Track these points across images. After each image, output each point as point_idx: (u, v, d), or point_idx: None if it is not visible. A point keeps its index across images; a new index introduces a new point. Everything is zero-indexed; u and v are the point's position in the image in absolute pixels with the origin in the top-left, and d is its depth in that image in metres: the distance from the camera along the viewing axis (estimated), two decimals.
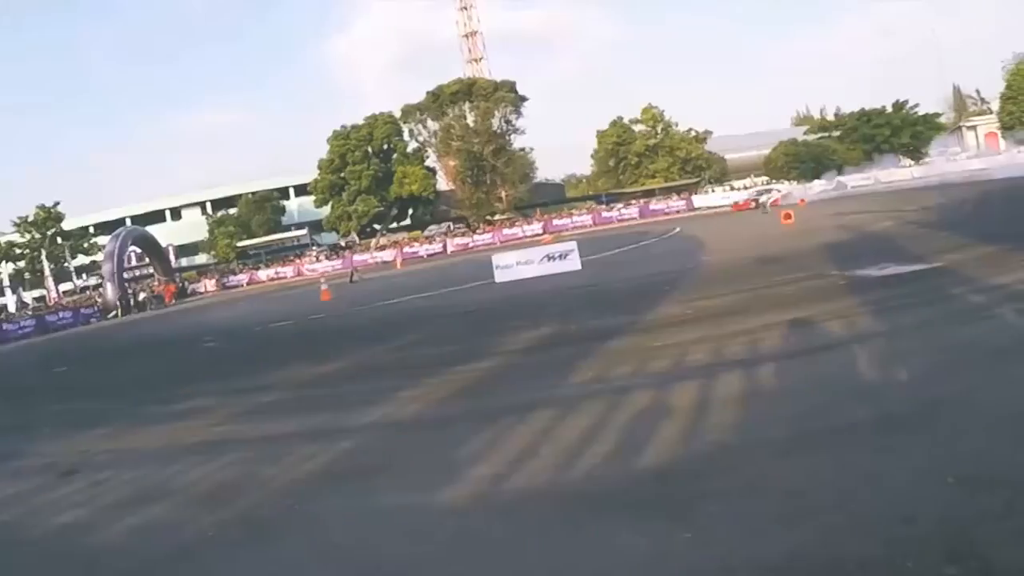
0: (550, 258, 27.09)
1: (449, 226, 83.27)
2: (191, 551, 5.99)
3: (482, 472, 6.62)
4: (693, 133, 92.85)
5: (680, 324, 12.47)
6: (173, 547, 6.11)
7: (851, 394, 7.26)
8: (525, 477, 6.32)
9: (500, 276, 27.00)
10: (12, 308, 70.34)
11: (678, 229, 45.18)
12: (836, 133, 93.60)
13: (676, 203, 77.44)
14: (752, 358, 9.39)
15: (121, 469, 9.14)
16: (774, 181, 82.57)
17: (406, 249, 73.31)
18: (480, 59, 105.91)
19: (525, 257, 28.06)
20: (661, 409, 7.65)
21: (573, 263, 26.67)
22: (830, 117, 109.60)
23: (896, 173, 73.31)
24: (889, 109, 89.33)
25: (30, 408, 16.40)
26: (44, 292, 79.12)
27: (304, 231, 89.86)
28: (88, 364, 25.32)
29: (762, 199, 63.19)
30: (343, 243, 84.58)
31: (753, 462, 5.88)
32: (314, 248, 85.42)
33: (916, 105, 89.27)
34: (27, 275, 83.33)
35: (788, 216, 33.03)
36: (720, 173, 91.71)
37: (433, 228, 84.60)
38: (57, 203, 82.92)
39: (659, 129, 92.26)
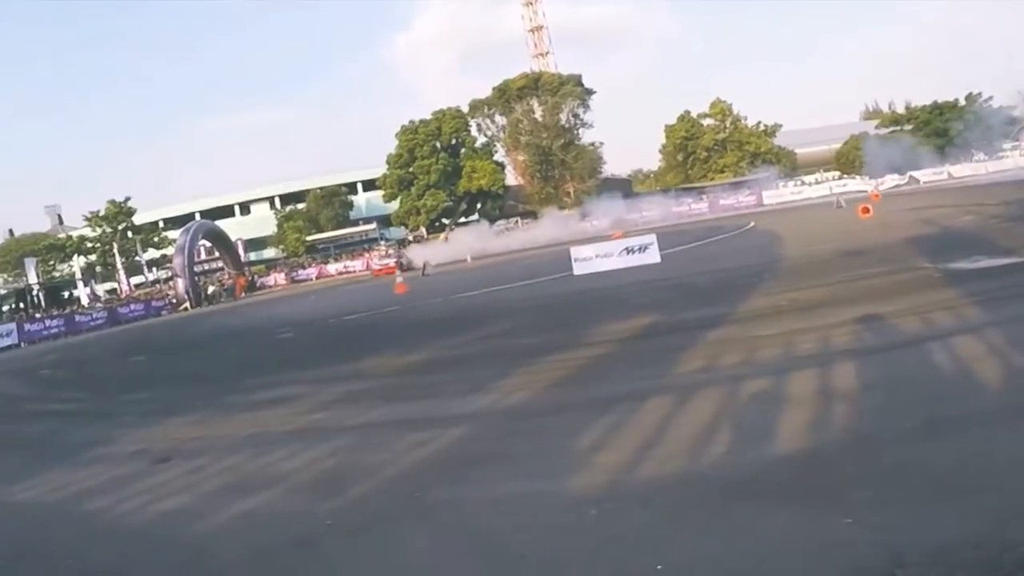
0: (629, 251, 26.80)
1: (517, 220, 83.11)
2: (308, 540, 5.83)
3: (608, 459, 6.46)
4: (762, 127, 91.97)
5: (778, 315, 12.23)
6: (288, 536, 5.98)
7: (974, 382, 7.03)
8: (655, 464, 6.16)
9: (579, 269, 26.83)
10: (85, 300, 71.49)
11: (752, 224, 44.52)
12: (908, 127, 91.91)
13: (746, 198, 76.51)
14: (861, 348, 9.18)
15: (216, 456, 9.14)
16: (845, 176, 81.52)
17: (474, 244, 73.07)
18: (546, 54, 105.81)
19: (604, 250, 27.81)
20: (781, 397, 7.48)
21: (652, 256, 26.33)
22: (900, 110, 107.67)
23: (969, 168, 72.10)
24: (962, 102, 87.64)
25: (111, 396, 16.68)
26: (116, 285, 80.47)
27: (373, 225, 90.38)
28: (164, 354, 25.62)
29: (836, 192, 62.41)
30: (411, 237, 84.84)
31: (893, 448, 5.70)
32: (382, 242, 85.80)
33: (990, 98, 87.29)
34: (98, 268, 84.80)
35: (866, 210, 32.44)
36: (790, 168, 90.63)
37: (501, 223, 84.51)
38: (128, 198, 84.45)
39: (728, 123, 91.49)
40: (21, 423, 15.21)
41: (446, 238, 73.56)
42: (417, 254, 61.81)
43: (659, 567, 4.39)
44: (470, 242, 66.36)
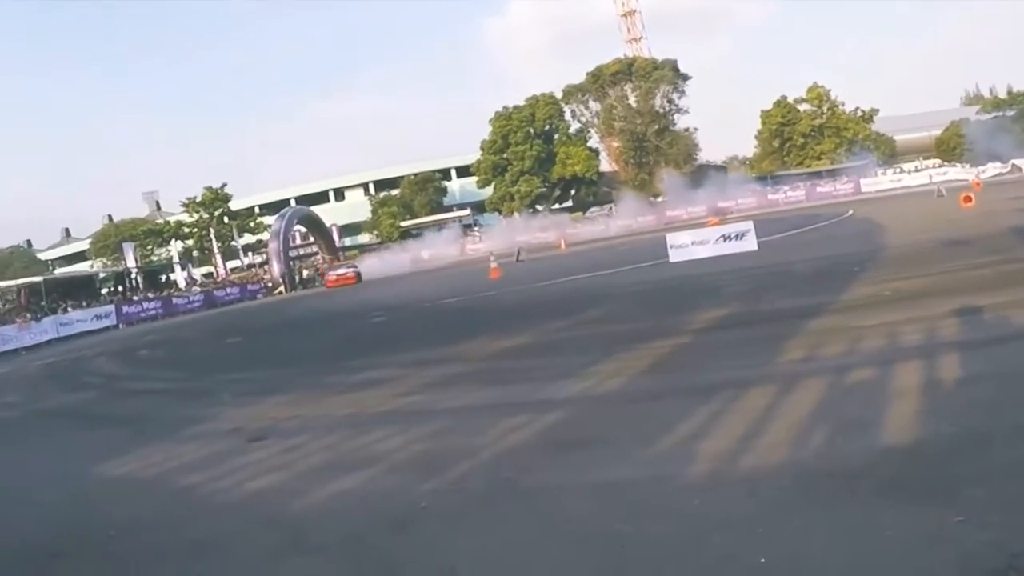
0: (726, 238, 26.49)
1: (611, 207, 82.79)
2: (405, 521, 5.77)
3: (710, 448, 6.35)
4: (860, 112, 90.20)
5: (881, 304, 11.87)
6: (384, 517, 5.93)
7: None
8: (758, 454, 6.02)
9: (675, 256, 26.57)
10: (182, 284, 73.20)
11: (851, 212, 43.80)
12: (1010, 113, 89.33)
13: (843, 186, 75.06)
14: (971, 339, 8.87)
15: (313, 435, 9.23)
16: (945, 164, 79.58)
17: (568, 230, 72.95)
18: (639, 39, 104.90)
19: (700, 237, 27.53)
20: (889, 389, 7.24)
21: (750, 243, 25.96)
22: (1002, 95, 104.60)
23: None
24: None
25: (209, 376, 17.04)
26: (212, 269, 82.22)
27: (467, 211, 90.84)
28: (260, 336, 26.06)
29: (936, 181, 60.96)
30: (504, 223, 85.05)
31: (1004, 444, 5.46)
32: (476, 228, 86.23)
33: None
34: (195, 253, 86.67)
35: (968, 199, 31.60)
36: (888, 155, 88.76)
37: (595, 210, 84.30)
38: (224, 184, 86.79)
39: (825, 108, 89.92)
40: (121, 401, 15.65)
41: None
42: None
43: (762, 560, 4.31)
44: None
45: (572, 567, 4.66)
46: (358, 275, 60.28)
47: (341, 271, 62.39)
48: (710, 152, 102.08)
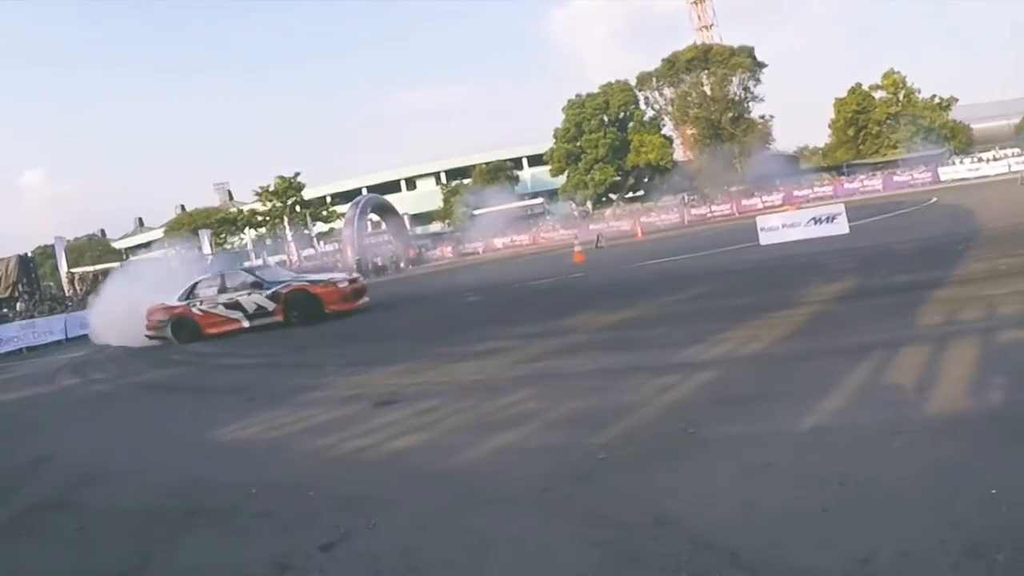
0: (816, 221, 26.15)
1: (684, 196, 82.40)
2: (587, 473, 5.62)
3: (888, 397, 6.30)
4: (937, 100, 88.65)
5: (1002, 277, 11.55)
6: (563, 469, 5.80)
7: None
8: (941, 403, 5.92)
9: (765, 238, 26.40)
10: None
11: (935, 199, 43.21)
12: None
13: (921, 175, 73.76)
14: None
15: (444, 399, 9.02)
16: None
17: (642, 219, 72.64)
18: (711, 26, 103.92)
19: (791, 220, 27.24)
20: None
21: (841, 226, 25.67)
22: None
23: None
24: None
25: (309, 350, 17.15)
26: (285, 257, 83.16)
27: (540, 200, 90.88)
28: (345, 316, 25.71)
29: (1016, 169, 59.85)
30: (577, 213, 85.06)
31: None
32: (549, 217, 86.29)
33: None
34: (268, 241, 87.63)
35: None
36: (966, 143, 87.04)
37: (669, 198, 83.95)
38: (297, 173, 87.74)
39: (901, 96, 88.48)
40: (218, 375, 15.78)
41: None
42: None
43: (993, 491, 4.27)
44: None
45: (799, 505, 4.58)
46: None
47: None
48: (782, 142, 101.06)
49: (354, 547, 4.98)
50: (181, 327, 23.24)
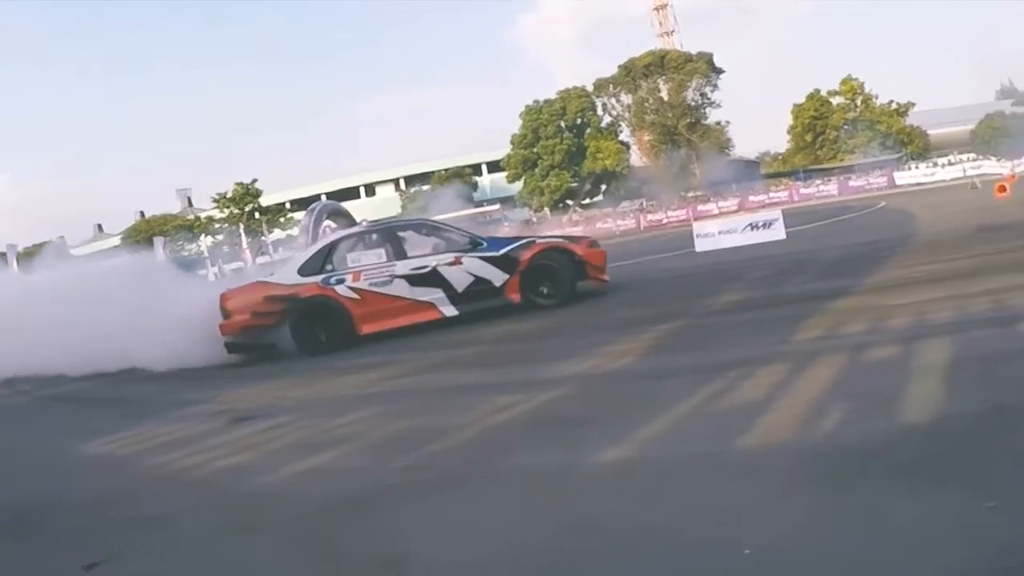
0: (753, 227, 25.65)
1: (642, 202, 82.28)
2: (367, 499, 5.57)
3: (712, 426, 5.96)
4: (894, 106, 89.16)
5: (910, 285, 11.26)
6: (349, 494, 5.76)
7: None
8: (762, 433, 5.51)
9: (701, 245, 25.75)
10: (212, 278, 73.33)
11: (883, 203, 43.26)
12: None
13: (877, 179, 74.04)
14: (1004, 316, 8.20)
15: (298, 415, 9.12)
16: (980, 157, 78.30)
17: (599, 224, 72.28)
18: (671, 32, 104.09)
19: (727, 226, 26.79)
20: (910, 365, 6.69)
21: (778, 232, 25.04)
22: None
23: None
24: None
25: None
26: (241, 264, 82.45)
27: (496, 206, 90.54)
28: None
29: (970, 174, 59.91)
30: (535, 219, 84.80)
31: None
32: (506, 223, 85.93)
33: None
34: (225, 248, 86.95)
35: (1003, 189, 30.85)
36: (922, 148, 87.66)
37: (626, 204, 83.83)
38: (255, 180, 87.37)
39: (858, 102, 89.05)
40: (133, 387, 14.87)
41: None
42: None
43: (747, 551, 3.78)
44: None
45: (540, 553, 4.34)
46: None
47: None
48: (743, 147, 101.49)
49: (110, 569, 5.01)
50: (315, 322, 14.23)
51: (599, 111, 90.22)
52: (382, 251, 14.65)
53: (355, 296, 14.10)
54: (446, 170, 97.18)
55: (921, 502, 4.04)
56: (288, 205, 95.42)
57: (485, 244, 14.97)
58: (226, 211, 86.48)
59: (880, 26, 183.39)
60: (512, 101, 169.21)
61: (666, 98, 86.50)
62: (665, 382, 7.75)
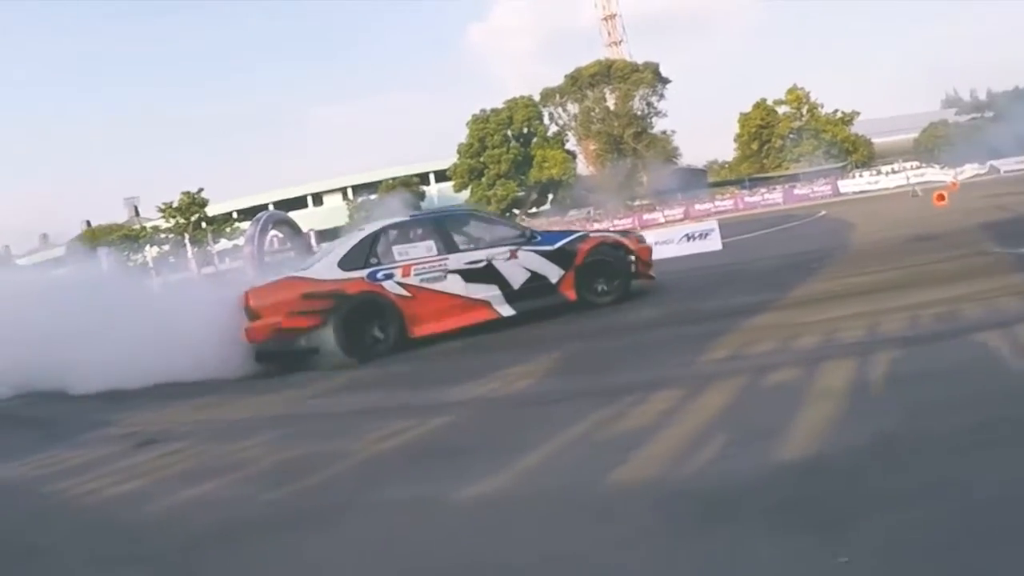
0: (690, 238, 25.56)
1: (589, 211, 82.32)
2: (235, 533, 5.40)
3: (587, 458, 5.75)
4: (839, 115, 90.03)
5: (829, 300, 11.19)
6: (220, 526, 5.57)
7: None
8: (635, 467, 5.25)
9: None
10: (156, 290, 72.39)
11: (824, 212, 43.52)
12: (989, 114, 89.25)
13: (821, 188, 74.69)
14: (914, 336, 8.05)
15: (199, 439, 8.88)
16: (923, 165, 79.13)
17: None
18: (619, 42, 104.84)
19: (663, 237, 26.47)
20: (807, 392, 6.45)
21: (714, 243, 25.05)
22: (982, 97, 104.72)
23: None
24: None
25: None
26: (187, 275, 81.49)
27: None
28: None
29: (913, 182, 60.46)
30: None
31: (926, 458, 4.61)
32: None
33: None
34: (171, 259, 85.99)
35: (941, 197, 31.11)
36: (867, 157, 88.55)
37: (573, 213, 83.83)
38: (201, 189, 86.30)
39: (804, 111, 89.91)
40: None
41: None
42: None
43: None
44: None
45: None
46: None
47: None
48: (692, 156, 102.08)
49: None
50: (363, 325, 12.54)
51: (546, 120, 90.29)
52: (431, 243, 13.23)
53: (406, 293, 12.66)
54: (394, 179, 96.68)
55: (777, 550, 3.77)
56: (235, 215, 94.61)
57: (539, 237, 14.08)
58: (172, 221, 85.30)
59: (827, 36, 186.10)
60: (461, 110, 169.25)
61: (612, 107, 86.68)
62: (558, 407, 7.54)
